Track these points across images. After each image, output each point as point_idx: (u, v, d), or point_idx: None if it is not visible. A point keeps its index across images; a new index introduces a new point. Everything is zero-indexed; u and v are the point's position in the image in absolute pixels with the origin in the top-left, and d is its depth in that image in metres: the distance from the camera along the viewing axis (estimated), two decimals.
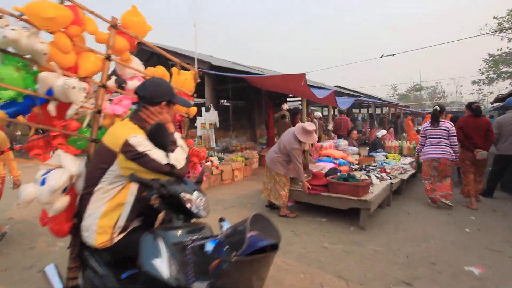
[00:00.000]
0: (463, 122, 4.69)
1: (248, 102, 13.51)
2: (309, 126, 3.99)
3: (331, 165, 5.35)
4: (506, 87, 22.63)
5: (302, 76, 5.46)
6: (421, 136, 4.75)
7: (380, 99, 18.92)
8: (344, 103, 8.12)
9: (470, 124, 4.59)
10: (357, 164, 6.01)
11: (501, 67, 22.60)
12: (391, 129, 9.52)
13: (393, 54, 8.41)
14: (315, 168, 4.98)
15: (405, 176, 5.42)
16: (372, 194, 3.92)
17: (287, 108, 10.81)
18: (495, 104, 11.98)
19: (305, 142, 4.01)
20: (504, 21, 14.61)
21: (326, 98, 6.81)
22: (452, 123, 4.53)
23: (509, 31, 17.65)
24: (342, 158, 5.67)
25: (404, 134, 13.06)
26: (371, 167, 5.53)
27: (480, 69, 23.74)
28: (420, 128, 11.68)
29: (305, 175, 4.23)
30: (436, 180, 4.52)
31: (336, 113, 16.26)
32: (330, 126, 13.72)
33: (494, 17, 15.07)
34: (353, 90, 18.65)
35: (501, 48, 18.27)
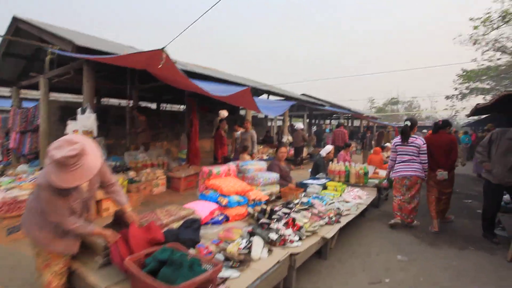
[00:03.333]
0: (427, 140, 4.36)
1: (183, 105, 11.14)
2: (58, 150, 1.65)
3: (209, 206, 3.08)
4: (478, 103, 22.10)
5: (159, 53, 3.22)
6: (392, 152, 4.44)
7: (350, 110, 17.07)
8: (275, 108, 5.93)
9: (432, 141, 4.34)
10: (275, 200, 3.83)
11: (473, 83, 22.16)
12: (351, 146, 7.44)
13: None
14: (173, 213, 2.71)
15: (335, 228, 3.20)
16: None
17: (225, 115, 8.60)
18: (470, 118, 10.55)
19: (62, 185, 1.66)
20: (486, 25, 13.39)
21: (238, 98, 4.61)
22: (423, 140, 4.20)
23: (483, 42, 16.64)
24: (238, 194, 3.41)
25: (371, 150, 11.13)
26: (284, 211, 3.29)
27: (454, 84, 23.10)
28: (387, 144, 9.76)
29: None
30: (405, 200, 4.18)
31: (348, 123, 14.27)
32: (285, 139, 11.64)
33: (471, 19, 13.76)
34: (319, 99, 16.76)
35: (476, 58, 17.08)
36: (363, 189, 4.63)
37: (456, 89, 23.96)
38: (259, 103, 5.39)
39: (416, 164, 4.10)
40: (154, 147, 9.34)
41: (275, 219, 3.01)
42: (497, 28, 14.10)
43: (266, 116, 16.49)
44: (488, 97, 20.53)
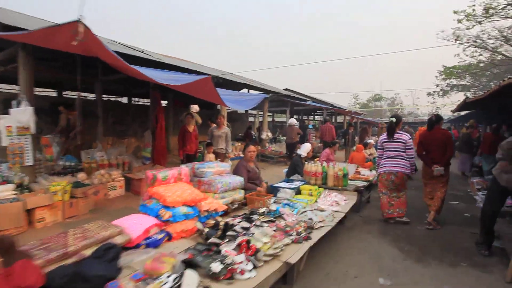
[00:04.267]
0: (422, 136, 4.41)
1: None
2: None
3: (145, 221, 2.42)
4: (459, 100, 22.39)
5: (73, 25, 2.49)
6: (378, 149, 4.45)
7: (333, 106, 16.60)
8: (245, 101, 5.25)
9: (427, 137, 4.32)
10: (237, 209, 3.21)
11: (453, 80, 22.39)
12: (336, 144, 6.91)
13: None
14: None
15: (303, 248, 2.59)
16: None
17: (197, 109, 7.88)
18: (450, 115, 10.29)
19: None
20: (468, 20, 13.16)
21: (197, 89, 3.93)
22: (409, 135, 4.25)
23: (464, 39, 16.55)
24: (186, 205, 2.75)
25: (354, 147, 10.72)
26: (243, 225, 2.67)
27: (436, 80, 23.26)
28: (369, 141, 9.28)
29: None
30: (394, 195, 4.18)
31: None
32: (265, 135, 11.04)
33: (455, 12, 13.48)
34: (303, 94, 16.23)
35: (459, 54, 16.99)
36: (342, 193, 4.07)
37: (437, 85, 24.20)
38: (224, 95, 4.72)
39: (403, 160, 4.10)
40: (119, 144, 8.54)
41: (228, 239, 2.37)
42: (480, 23, 13.95)
43: (247, 111, 15.82)
44: (469, 94, 20.63)
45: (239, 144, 11.12)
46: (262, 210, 3.20)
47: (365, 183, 4.75)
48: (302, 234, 2.69)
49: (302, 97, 14.52)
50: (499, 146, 3.30)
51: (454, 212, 4.85)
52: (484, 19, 13.10)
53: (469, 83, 22.83)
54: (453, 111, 8.69)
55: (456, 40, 16.68)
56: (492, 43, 15.85)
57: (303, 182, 4.27)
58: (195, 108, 7.57)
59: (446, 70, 21.27)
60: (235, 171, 4.19)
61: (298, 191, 4.04)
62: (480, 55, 16.85)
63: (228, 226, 2.66)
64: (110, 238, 2.17)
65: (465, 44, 16.51)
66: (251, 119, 24.11)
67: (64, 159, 5.99)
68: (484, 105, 6.43)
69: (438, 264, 3.02)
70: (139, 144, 9.25)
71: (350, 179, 5.04)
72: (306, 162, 4.79)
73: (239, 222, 2.89)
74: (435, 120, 4.25)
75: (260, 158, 10.70)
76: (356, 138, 15.06)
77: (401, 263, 3.03)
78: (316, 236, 2.79)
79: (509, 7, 11.87)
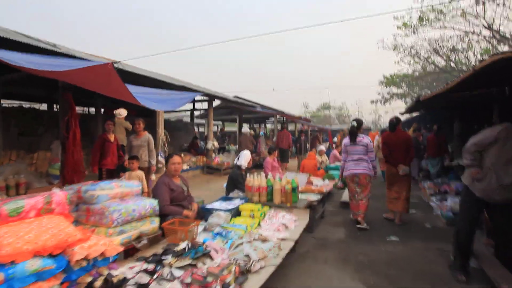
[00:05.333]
0: (386, 137, 4.63)
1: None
2: None
3: None
4: (398, 107, 24.04)
5: None
6: (343, 153, 4.50)
7: (284, 113, 16.20)
8: (170, 101, 4.24)
9: (391, 139, 4.53)
10: (148, 246, 2.26)
11: (392, 89, 23.95)
12: (275, 151, 6.20)
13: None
14: None
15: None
16: None
17: (122, 114, 6.63)
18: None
19: None
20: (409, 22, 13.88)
21: (91, 80, 2.88)
22: (370, 139, 4.36)
23: (401, 49, 17.61)
24: (40, 255, 1.69)
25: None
26: (140, 280, 1.70)
27: (378, 89, 24.63)
28: (321, 147, 8.79)
29: None
30: (360, 198, 4.23)
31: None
32: (210, 145, 10.06)
33: (395, 17, 14.15)
34: (251, 101, 15.61)
35: (399, 62, 17.92)
36: (291, 212, 3.28)
37: (379, 93, 25.74)
38: (140, 93, 3.70)
39: (365, 162, 4.22)
40: (28, 159, 6.88)
41: None
42: (414, 32, 14.85)
43: (192, 119, 14.66)
44: (408, 100, 22.03)
45: (182, 155, 9.95)
46: (182, 245, 2.25)
47: (319, 197, 4.06)
48: (231, 286, 1.80)
49: (251, 104, 13.87)
50: (464, 150, 2.78)
51: (413, 223, 4.38)
52: (419, 27, 14.00)
53: (405, 92, 24.55)
54: (402, 113, 8.67)
55: (394, 49, 17.75)
56: (424, 53, 17.10)
57: (244, 200, 3.40)
58: (119, 112, 6.33)
59: (386, 79, 22.55)
60: (154, 191, 3.18)
61: (237, 212, 3.16)
62: (417, 63, 18.01)
63: (113, 285, 1.67)
64: None
65: (401, 53, 17.62)
66: (201, 129, 22.91)
67: None
68: (430, 105, 6.31)
69: None
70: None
71: (302, 192, 4.32)
72: (248, 175, 3.94)
73: (139, 271, 1.92)
74: (396, 122, 4.55)
75: (206, 170, 9.67)
76: (308, 146, 14.85)
77: None
78: (252, 283, 1.91)
79: (441, 16, 12.73)
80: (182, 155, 9.83)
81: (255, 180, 3.53)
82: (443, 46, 15.88)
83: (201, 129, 22.75)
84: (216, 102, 14.32)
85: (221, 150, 12.69)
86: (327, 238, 3.70)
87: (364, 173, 4.14)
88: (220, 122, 22.62)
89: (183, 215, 3.05)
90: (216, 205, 3.33)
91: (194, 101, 13.28)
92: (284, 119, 16.32)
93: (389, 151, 4.47)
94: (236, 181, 4.10)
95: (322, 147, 9.10)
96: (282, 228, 2.84)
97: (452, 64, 15.78)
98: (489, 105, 6.37)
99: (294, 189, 3.45)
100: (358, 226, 4.08)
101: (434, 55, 16.72)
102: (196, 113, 15.90)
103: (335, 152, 9.75)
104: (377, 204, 5.07)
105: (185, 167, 9.13)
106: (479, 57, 14.29)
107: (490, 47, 13.93)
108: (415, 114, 12.55)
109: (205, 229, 2.82)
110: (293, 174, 5.45)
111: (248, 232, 2.68)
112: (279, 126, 18.96)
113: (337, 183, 6.20)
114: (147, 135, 5.19)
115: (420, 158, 8.05)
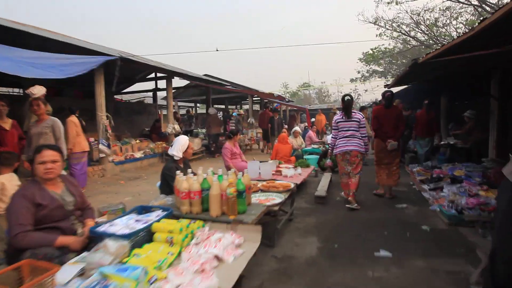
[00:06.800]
0: (377, 111, 4.60)
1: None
2: None
3: None
4: (378, 85, 23.41)
5: None
6: (333, 129, 4.38)
7: (258, 91, 14.90)
8: (66, 67, 2.99)
9: (382, 113, 4.49)
10: None
11: (372, 66, 23.16)
12: (237, 134, 5.09)
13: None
14: None
15: None
16: None
17: (37, 92, 5.16)
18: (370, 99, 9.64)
19: None
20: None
21: None
22: (362, 115, 4.36)
23: (382, 22, 16.61)
24: None
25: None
26: None
27: (357, 67, 23.82)
28: (296, 128, 7.70)
29: None
30: (351, 176, 4.14)
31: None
32: (170, 129, 8.74)
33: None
34: (223, 79, 14.20)
35: (380, 34, 16.86)
36: (235, 230, 2.16)
37: (358, 72, 24.94)
38: (21, 58, 2.38)
39: (357, 139, 4.12)
40: None
41: None
42: (397, 3, 13.83)
43: (155, 101, 13.13)
44: (389, 77, 21.36)
45: (137, 141, 8.59)
46: None
47: (283, 197, 2.98)
48: None
49: (219, 81, 12.50)
50: None
51: (407, 225, 3.37)
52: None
53: (385, 70, 23.82)
54: (388, 86, 7.76)
55: (375, 23, 16.70)
56: (406, 26, 16.17)
57: (167, 212, 2.24)
58: (31, 90, 4.89)
59: (367, 55, 21.62)
60: (8, 209, 1.96)
61: (149, 235, 2.01)
62: (397, 37, 17.15)
63: None
64: None
65: (382, 27, 16.62)
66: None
67: None
68: (424, 72, 5.33)
69: None
70: None
71: (263, 190, 3.23)
72: (190, 170, 2.76)
73: None
74: (392, 96, 4.52)
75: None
76: (286, 127, 13.71)
77: None
78: None
79: None
80: (134, 141, 8.47)
81: (183, 181, 2.36)
82: (425, 19, 15.05)
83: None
84: (184, 82, 12.87)
85: (188, 133, 11.41)
86: (293, 257, 2.65)
87: (355, 149, 4.06)
88: (192, 104, 21.08)
89: (55, 245, 1.88)
90: (121, 222, 2.15)
91: (156, 79, 11.75)
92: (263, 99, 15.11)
93: (379, 125, 4.44)
94: (169, 178, 2.92)
95: (297, 128, 8.04)
96: (210, 265, 1.73)
97: (433, 41, 15.00)
98: (481, 78, 5.55)
99: (241, 194, 2.30)
100: (347, 205, 3.98)
101: (416, 28, 15.87)
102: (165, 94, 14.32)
103: (310, 133, 8.74)
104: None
105: (139, 155, 7.84)
106: (461, 31, 13.57)
107: (475, 19, 13.20)
108: (395, 90, 11.75)
109: (80, 275, 1.66)
110: (257, 162, 4.38)
111: (153, 277, 1.56)
112: (255, 107, 17.79)
113: (325, 161, 6.27)
114: (50, 120, 3.84)
115: (405, 138, 7.18)
